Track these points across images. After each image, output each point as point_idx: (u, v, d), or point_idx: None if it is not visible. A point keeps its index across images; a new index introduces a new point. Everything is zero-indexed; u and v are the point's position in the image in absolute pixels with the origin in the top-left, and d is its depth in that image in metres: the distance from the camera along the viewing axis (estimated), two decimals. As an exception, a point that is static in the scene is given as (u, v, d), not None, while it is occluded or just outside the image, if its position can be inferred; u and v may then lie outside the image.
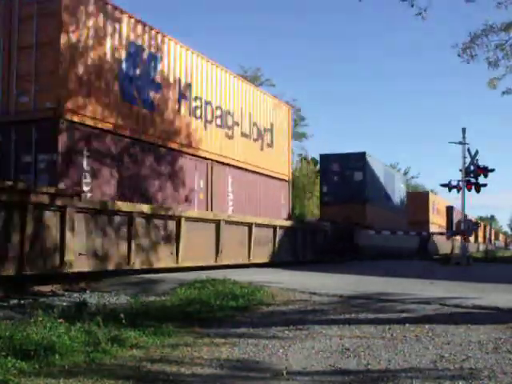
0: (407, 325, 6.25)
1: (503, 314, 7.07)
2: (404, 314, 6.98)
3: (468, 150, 22.86)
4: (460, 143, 22.95)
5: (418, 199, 41.70)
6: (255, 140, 18.14)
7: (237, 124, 16.91)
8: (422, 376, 4.21)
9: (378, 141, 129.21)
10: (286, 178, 20.25)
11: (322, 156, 29.38)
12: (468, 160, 22.80)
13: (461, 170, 22.92)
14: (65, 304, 7.54)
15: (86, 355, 4.61)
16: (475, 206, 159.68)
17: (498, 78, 12.25)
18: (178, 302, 7.70)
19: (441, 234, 36.90)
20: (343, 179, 26.71)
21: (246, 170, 17.36)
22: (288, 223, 18.47)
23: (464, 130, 23.26)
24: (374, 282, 11.75)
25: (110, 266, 10.54)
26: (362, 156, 27.13)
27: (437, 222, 43.21)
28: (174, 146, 13.93)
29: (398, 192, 34.32)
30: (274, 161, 19.23)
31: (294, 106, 37.45)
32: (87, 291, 9.68)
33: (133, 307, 7.08)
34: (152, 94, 13.18)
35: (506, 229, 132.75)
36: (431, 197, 43.61)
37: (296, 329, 6.01)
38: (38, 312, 5.61)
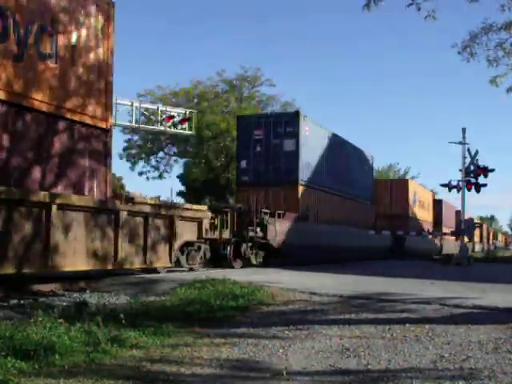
0: (407, 325, 6.25)
1: (503, 314, 7.08)
2: (404, 314, 6.98)
3: (468, 149, 22.87)
4: (460, 143, 22.96)
5: (395, 188, 33.84)
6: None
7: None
8: (422, 376, 4.21)
9: (378, 141, 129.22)
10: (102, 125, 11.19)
11: (239, 118, 22.36)
12: (468, 160, 22.82)
13: (461, 170, 22.93)
14: (65, 304, 7.55)
15: (86, 355, 4.61)
16: (475, 206, 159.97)
17: (500, 75, 12.21)
18: (178, 301, 7.70)
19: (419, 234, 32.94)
20: (268, 150, 19.77)
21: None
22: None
23: (464, 130, 23.28)
24: (374, 281, 11.75)
25: None
26: (294, 117, 19.84)
27: (421, 217, 37.77)
28: None
29: (364, 176, 27.16)
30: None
31: (293, 106, 37.48)
32: (87, 291, 9.68)
33: (133, 307, 7.08)
34: None
35: (506, 229, 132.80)
36: (412, 185, 36.21)
37: (296, 329, 6.01)
38: (38, 312, 5.61)
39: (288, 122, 19.71)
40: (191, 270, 13.25)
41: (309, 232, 19.06)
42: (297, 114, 20.09)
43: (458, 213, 39.73)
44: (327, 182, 21.83)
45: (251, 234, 15.63)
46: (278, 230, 16.95)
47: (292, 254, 17.68)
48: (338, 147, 23.15)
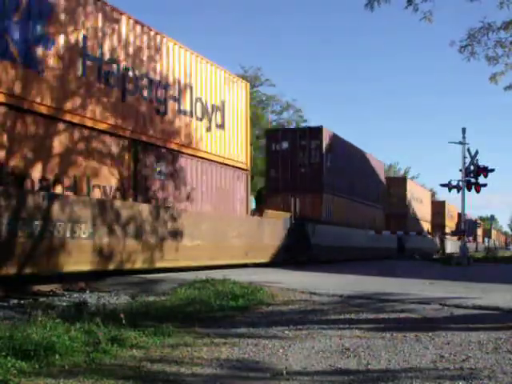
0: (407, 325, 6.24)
1: (503, 314, 7.07)
2: (404, 314, 6.98)
3: (468, 149, 22.89)
4: (460, 143, 22.96)
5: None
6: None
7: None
8: (422, 376, 4.20)
9: (378, 141, 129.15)
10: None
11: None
12: (468, 160, 22.83)
13: (461, 170, 22.94)
14: (65, 304, 7.55)
15: (85, 355, 4.61)
16: (475, 206, 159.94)
17: (499, 73, 12.17)
18: (178, 301, 7.70)
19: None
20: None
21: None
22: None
23: (464, 130, 23.30)
24: (374, 281, 11.76)
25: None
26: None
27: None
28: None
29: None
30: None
31: (294, 106, 37.47)
32: (87, 291, 9.68)
33: (133, 307, 7.08)
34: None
35: (506, 229, 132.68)
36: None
37: (296, 329, 6.01)
38: (38, 312, 5.61)
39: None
40: None
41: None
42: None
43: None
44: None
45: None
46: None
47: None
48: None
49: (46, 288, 9.76)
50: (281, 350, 5.03)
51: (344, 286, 10.33)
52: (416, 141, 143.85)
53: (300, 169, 21.85)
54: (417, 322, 6.47)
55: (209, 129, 15.23)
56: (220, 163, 15.61)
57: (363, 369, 4.43)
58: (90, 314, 6.01)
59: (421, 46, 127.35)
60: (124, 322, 5.56)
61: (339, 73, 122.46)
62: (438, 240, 40.94)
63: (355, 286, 10.42)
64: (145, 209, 11.94)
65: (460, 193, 23.00)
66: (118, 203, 11.24)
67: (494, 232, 73.11)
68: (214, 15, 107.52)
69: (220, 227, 14.55)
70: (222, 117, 15.98)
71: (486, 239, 67.68)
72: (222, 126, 15.88)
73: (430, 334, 5.78)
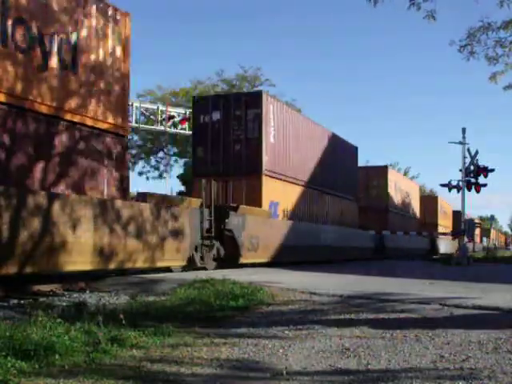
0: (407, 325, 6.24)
1: (503, 314, 7.07)
2: (404, 314, 6.98)
3: (468, 149, 22.90)
4: (460, 143, 22.97)
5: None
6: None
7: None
8: (422, 376, 4.20)
9: (378, 141, 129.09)
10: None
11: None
12: (468, 160, 22.84)
13: (461, 170, 22.95)
14: (65, 304, 7.54)
15: (85, 355, 4.61)
16: (475, 206, 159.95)
17: (499, 73, 12.17)
18: (178, 301, 7.70)
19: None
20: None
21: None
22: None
23: (464, 130, 23.31)
24: (374, 281, 11.76)
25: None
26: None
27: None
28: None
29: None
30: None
31: (294, 106, 37.47)
32: (87, 291, 9.68)
33: (133, 307, 7.08)
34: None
35: (506, 229, 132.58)
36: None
37: (296, 329, 6.01)
38: (38, 312, 5.61)
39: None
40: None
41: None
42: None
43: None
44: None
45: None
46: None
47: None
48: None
49: (45, 288, 9.76)
50: (281, 350, 5.03)
51: (344, 285, 10.33)
52: (416, 140, 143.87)
53: (234, 146, 17.69)
54: (417, 321, 6.46)
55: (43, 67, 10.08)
56: (69, 122, 10.65)
57: (363, 369, 4.43)
58: (89, 313, 6.01)
59: (421, 46, 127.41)
60: (124, 322, 5.56)
61: (339, 73, 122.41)
62: (428, 239, 37.75)
63: (355, 285, 10.42)
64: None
65: (460, 193, 23.02)
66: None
67: (492, 232, 71.32)
68: (215, 14, 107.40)
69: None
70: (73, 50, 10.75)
71: (484, 239, 66.68)
72: (72, 66, 10.71)
73: (430, 334, 5.78)
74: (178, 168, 39.96)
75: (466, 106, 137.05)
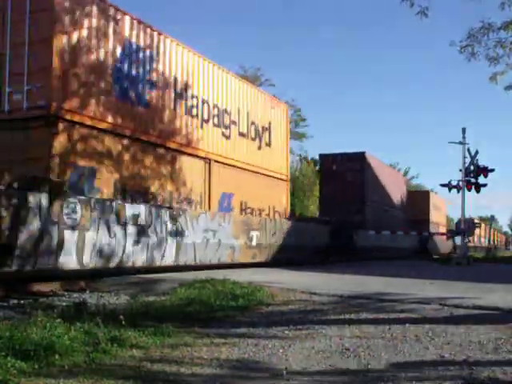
0: (407, 325, 6.25)
1: (503, 314, 7.08)
2: (404, 314, 6.98)
3: (468, 149, 22.90)
4: (460, 143, 22.97)
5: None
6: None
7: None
8: (422, 376, 4.20)
9: (379, 139, 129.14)
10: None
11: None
12: (468, 160, 22.83)
13: (461, 170, 22.95)
14: (65, 304, 7.54)
15: (85, 355, 4.60)
16: (475, 206, 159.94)
17: (500, 73, 12.16)
18: (178, 301, 7.69)
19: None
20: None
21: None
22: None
23: (464, 130, 23.30)
24: (374, 281, 11.76)
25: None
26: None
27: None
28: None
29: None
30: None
31: (294, 106, 37.54)
32: (87, 291, 9.67)
33: (133, 307, 7.07)
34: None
35: (506, 229, 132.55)
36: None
37: (296, 329, 6.01)
38: (38, 312, 5.61)
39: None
40: None
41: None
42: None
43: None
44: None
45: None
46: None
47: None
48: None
49: (45, 288, 9.75)
50: (281, 350, 5.03)
51: (344, 285, 10.33)
52: (416, 141, 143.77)
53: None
54: (417, 321, 6.46)
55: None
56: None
57: (363, 369, 4.43)
58: (89, 314, 6.00)
59: (421, 45, 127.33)
60: (124, 322, 5.56)
61: (338, 73, 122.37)
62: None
63: (355, 285, 10.42)
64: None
65: (460, 193, 23.01)
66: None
67: (486, 231, 68.79)
68: (215, 15, 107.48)
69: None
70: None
71: (481, 239, 65.40)
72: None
73: (430, 334, 5.78)
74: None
75: (466, 106, 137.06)
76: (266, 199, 18.47)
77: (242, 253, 15.54)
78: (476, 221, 39.77)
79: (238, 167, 16.85)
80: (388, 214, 30.34)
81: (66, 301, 8.21)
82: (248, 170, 17.45)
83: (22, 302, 8.11)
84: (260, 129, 18.46)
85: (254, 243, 16.21)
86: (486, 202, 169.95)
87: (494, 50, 11.77)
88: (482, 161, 23.01)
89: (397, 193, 33.45)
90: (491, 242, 57.26)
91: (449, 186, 23.08)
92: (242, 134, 17.26)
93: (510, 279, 13.63)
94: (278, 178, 19.46)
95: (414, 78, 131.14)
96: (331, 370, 4.40)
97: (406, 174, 61.92)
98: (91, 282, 10.41)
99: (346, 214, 24.74)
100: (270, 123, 19.17)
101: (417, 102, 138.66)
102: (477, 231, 45.32)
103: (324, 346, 5.20)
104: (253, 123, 17.99)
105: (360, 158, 26.70)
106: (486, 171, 22.44)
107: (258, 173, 18.01)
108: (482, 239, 57.64)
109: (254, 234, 16.27)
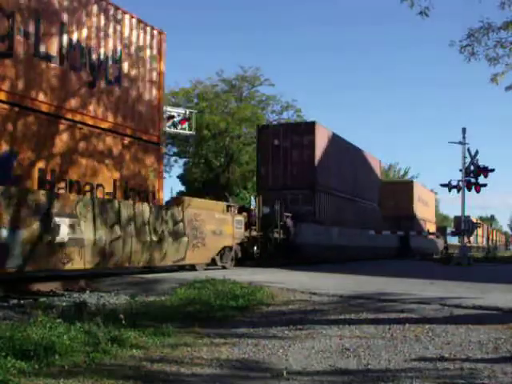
0: (407, 325, 6.24)
1: (503, 314, 7.07)
2: (404, 314, 6.98)
3: (468, 149, 22.88)
4: (460, 143, 22.96)
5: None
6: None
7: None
8: (422, 376, 4.20)
9: (378, 139, 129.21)
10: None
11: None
12: (468, 160, 22.82)
13: (461, 170, 22.94)
14: (65, 304, 7.54)
15: (85, 355, 4.60)
16: (475, 206, 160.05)
17: (500, 73, 12.15)
18: (178, 301, 7.70)
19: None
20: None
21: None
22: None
23: (464, 130, 23.28)
24: (374, 281, 11.75)
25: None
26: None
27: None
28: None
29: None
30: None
31: (294, 106, 37.47)
32: (87, 291, 9.67)
33: (133, 307, 7.08)
34: None
35: (506, 229, 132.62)
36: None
37: (296, 329, 6.01)
38: (38, 312, 5.61)
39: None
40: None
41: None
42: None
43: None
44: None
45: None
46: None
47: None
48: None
49: (45, 288, 9.76)
50: (281, 350, 5.03)
51: (344, 285, 10.33)
52: (416, 140, 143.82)
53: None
54: (417, 321, 6.46)
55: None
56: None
57: (363, 369, 4.43)
58: (89, 314, 6.01)
59: (421, 45, 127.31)
60: (124, 322, 5.56)
61: (338, 73, 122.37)
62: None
63: (355, 285, 10.41)
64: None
65: (460, 193, 23.01)
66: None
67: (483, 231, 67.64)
68: (215, 15, 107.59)
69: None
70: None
71: (478, 238, 64.71)
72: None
73: (430, 334, 5.78)
74: (177, 168, 39.94)
75: (466, 106, 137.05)
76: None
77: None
78: (476, 221, 39.05)
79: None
80: (355, 206, 25.38)
81: (66, 301, 8.22)
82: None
83: (21, 301, 8.11)
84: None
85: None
86: (485, 202, 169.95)
87: (494, 50, 11.76)
88: (482, 161, 22.85)
89: (369, 181, 27.79)
90: (491, 243, 56.88)
91: (449, 186, 23.07)
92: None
93: (510, 279, 13.63)
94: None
95: (414, 78, 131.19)
96: (331, 370, 4.40)
97: (406, 174, 61.79)
98: (91, 281, 10.42)
99: (294, 204, 19.79)
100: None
101: (417, 101, 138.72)
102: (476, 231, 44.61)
103: (324, 346, 5.20)
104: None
105: (310, 129, 20.68)
106: (486, 171, 22.43)
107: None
108: (482, 239, 57.29)
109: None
